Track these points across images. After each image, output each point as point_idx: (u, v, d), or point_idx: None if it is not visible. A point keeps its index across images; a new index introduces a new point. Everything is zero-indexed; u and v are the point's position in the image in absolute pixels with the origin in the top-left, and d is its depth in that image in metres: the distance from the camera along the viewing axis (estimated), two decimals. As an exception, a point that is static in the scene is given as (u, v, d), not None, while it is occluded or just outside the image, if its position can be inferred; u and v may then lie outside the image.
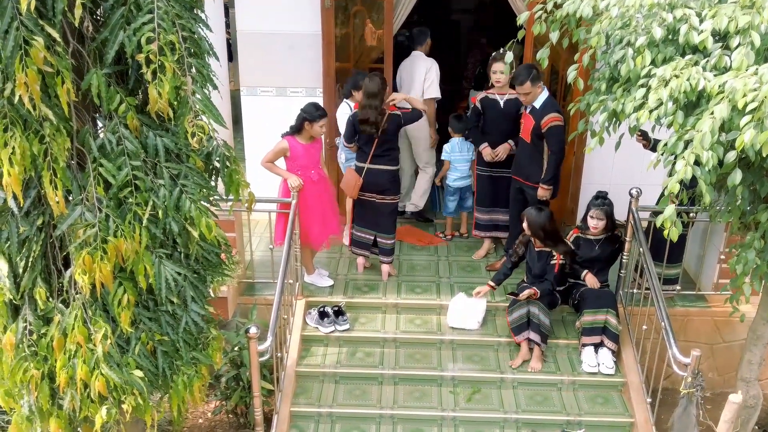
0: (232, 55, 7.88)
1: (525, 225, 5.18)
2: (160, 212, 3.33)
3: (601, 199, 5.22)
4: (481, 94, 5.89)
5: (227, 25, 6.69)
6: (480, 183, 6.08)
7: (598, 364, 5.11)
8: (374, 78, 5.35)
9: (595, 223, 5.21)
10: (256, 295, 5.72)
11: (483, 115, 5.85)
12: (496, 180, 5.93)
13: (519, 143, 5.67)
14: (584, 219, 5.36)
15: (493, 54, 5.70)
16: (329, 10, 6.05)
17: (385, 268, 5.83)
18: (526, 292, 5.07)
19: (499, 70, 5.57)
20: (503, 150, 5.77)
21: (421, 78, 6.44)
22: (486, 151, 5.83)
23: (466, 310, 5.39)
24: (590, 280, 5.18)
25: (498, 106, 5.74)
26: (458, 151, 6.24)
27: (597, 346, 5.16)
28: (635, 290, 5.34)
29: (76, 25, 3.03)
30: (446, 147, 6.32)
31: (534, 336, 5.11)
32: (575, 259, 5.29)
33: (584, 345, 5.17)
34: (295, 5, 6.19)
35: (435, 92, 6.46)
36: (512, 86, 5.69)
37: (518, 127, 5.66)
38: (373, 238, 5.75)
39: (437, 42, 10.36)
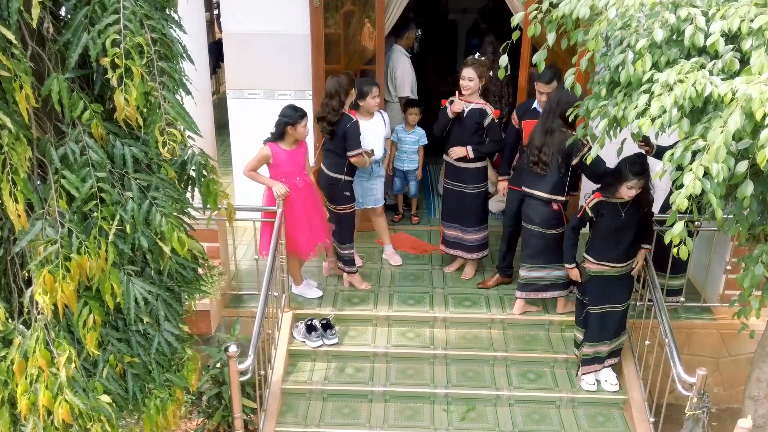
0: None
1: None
2: (128, 227, 3.10)
3: (639, 165, 4.34)
4: (452, 98, 5.54)
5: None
6: (444, 196, 5.85)
7: (602, 381, 4.88)
8: (334, 78, 5.17)
9: (633, 194, 4.39)
10: (242, 306, 5.48)
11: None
12: (457, 194, 5.62)
13: (521, 152, 5.34)
14: (605, 187, 4.53)
15: (466, 59, 5.44)
16: (318, 9, 5.82)
17: (345, 277, 5.66)
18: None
19: (468, 77, 5.28)
20: (459, 150, 5.44)
21: (392, 74, 6.64)
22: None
23: None
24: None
25: (461, 113, 5.41)
26: (407, 134, 6.37)
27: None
28: (638, 302, 5.11)
29: (35, 26, 2.81)
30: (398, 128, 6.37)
31: None
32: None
33: (584, 374, 4.90)
34: (283, 5, 5.95)
35: (403, 91, 6.63)
36: (480, 96, 5.48)
37: (478, 140, 5.43)
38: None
39: (432, 42, 10.18)
